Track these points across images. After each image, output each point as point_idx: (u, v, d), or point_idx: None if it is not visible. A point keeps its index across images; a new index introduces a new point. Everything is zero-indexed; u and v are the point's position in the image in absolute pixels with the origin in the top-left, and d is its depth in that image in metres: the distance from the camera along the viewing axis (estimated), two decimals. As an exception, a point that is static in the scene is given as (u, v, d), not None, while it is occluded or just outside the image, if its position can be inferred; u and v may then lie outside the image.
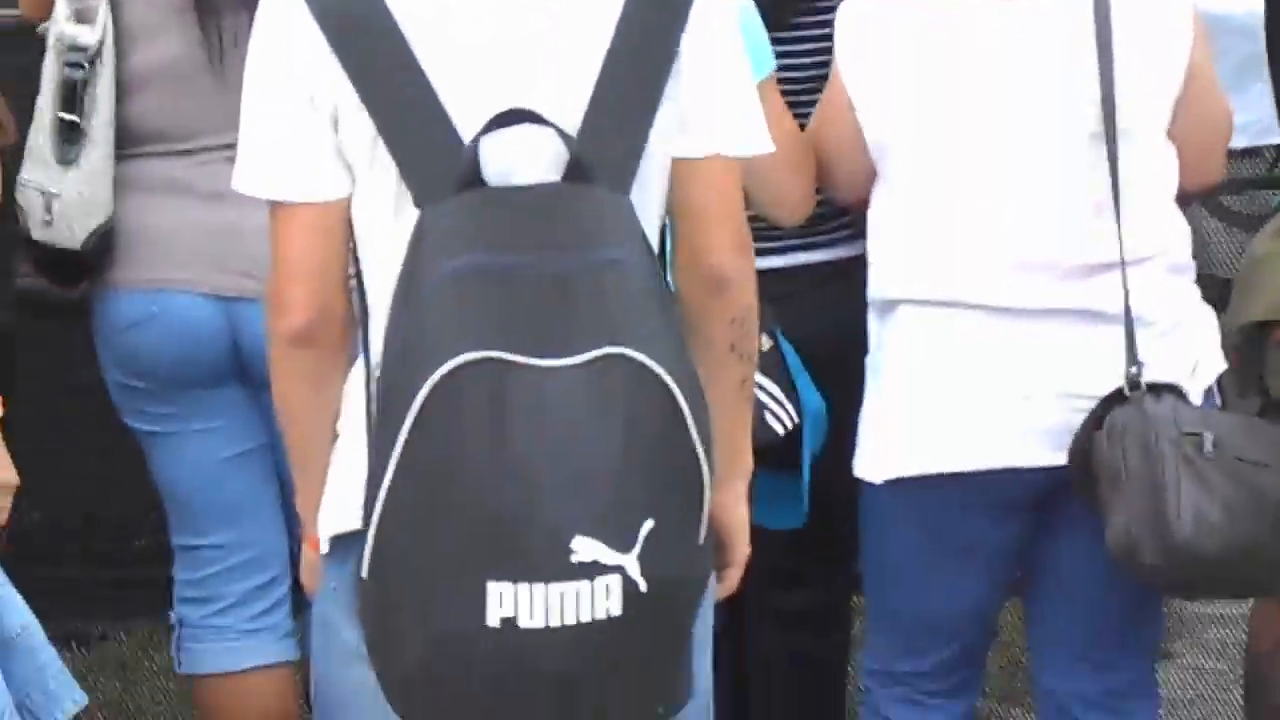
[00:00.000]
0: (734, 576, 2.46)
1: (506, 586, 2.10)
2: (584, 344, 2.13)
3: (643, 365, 2.13)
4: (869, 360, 3.08)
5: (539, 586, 2.10)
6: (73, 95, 3.21)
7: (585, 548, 2.11)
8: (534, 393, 2.11)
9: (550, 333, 2.13)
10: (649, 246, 2.24)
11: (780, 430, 3.11)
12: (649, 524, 2.13)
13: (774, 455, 3.04)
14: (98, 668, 4.14)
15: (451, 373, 2.11)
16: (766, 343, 3.09)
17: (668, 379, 2.14)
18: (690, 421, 2.15)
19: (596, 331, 2.13)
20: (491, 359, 2.11)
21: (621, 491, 2.12)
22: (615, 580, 2.12)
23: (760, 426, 3.00)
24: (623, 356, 2.13)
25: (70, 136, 3.22)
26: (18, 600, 2.41)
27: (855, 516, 3.12)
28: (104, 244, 3.24)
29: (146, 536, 4.00)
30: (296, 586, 2.88)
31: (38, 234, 3.24)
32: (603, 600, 2.11)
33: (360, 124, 2.25)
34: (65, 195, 3.21)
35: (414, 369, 2.12)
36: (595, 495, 2.11)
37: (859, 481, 3.08)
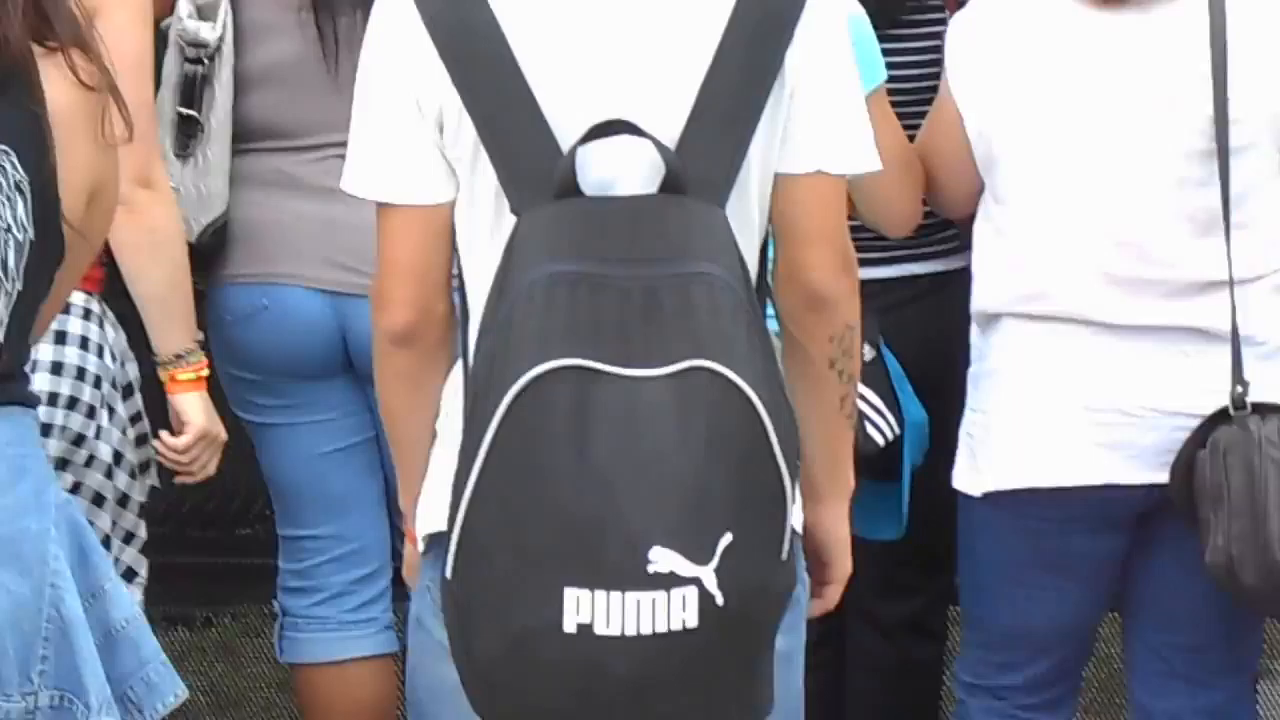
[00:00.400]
0: (834, 594, 2.46)
1: (584, 593, 2.12)
2: (670, 356, 2.14)
3: (727, 380, 2.14)
4: (970, 372, 3.09)
5: (615, 594, 2.12)
6: (192, 90, 3.26)
7: (662, 558, 2.12)
8: (618, 402, 2.13)
9: (637, 343, 2.14)
10: (742, 261, 2.25)
11: (881, 441, 3.13)
12: (727, 538, 2.14)
13: (874, 465, 3.06)
14: (200, 651, 4.21)
15: (537, 379, 2.13)
16: (869, 353, 3.10)
17: (751, 394, 2.15)
18: (773, 437, 2.16)
19: (683, 344, 2.14)
20: (577, 367, 2.14)
21: (701, 504, 2.13)
22: (692, 592, 2.13)
23: (861, 436, 3.02)
24: (708, 370, 2.14)
25: (189, 131, 3.27)
26: (125, 593, 2.46)
27: (953, 528, 3.12)
28: (219, 238, 3.29)
29: (254, 524, 4.06)
30: (398, 579, 2.92)
31: (155, 228, 3.29)
32: (679, 611, 2.12)
33: (463, 129, 2.27)
34: (183, 189, 3.26)
35: (501, 374, 2.15)
36: (674, 506, 2.13)
37: (957, 493, 3.08)
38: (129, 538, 3.10)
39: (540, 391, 2.13)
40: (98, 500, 3.04)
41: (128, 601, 2.45)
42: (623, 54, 2.26)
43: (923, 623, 3.45)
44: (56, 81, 2.32)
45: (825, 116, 2.32)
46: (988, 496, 3.04)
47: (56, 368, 2.97)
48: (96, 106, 2.35)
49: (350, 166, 2.34)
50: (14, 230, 2.30)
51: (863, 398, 3.08)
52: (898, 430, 3.14)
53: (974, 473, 3.06)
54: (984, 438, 3.05)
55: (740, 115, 2.26)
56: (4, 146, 2.29)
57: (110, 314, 3.07)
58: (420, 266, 2.31)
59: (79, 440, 2.99)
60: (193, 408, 3.12)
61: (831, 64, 2.33)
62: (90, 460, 3.01)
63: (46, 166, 2.31)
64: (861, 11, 3.06)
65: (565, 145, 2.23)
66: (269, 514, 3.50)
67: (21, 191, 2.30)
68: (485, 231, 2.29)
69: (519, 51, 2.25)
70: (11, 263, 2.31)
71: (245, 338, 3.32)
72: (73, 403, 2.98)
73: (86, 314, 3.02)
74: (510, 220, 2.24)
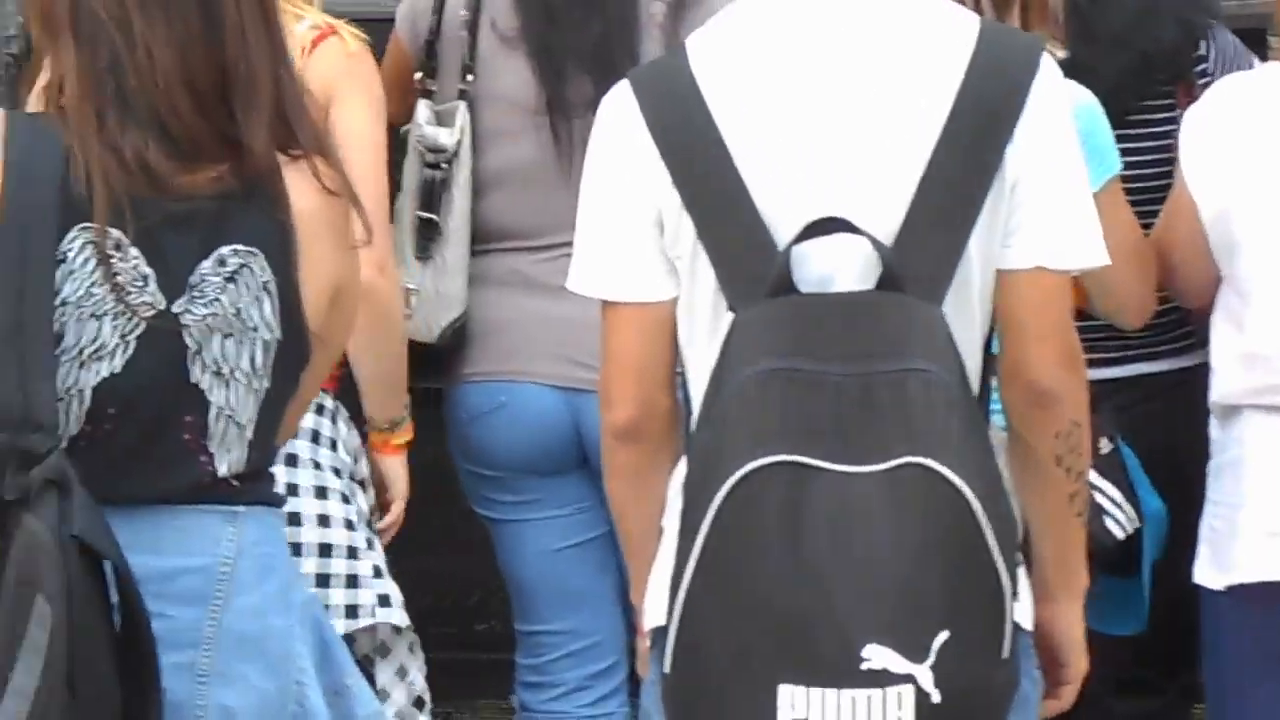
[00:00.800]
0: (1069, 694, 2.43)
1: (798, 690, 2.13)
2: (884, 452, 2.15)
3: (942, 476, 2.14)
4: (1210, 465, 3.05)
5: (830, 691, 2.12)
6: (431, 194, 3.34)
7: (877, 655, 2.12)
8: (832, 498, 2.14)
9: (851, 439, 2.15)
10: (959, 357, 2.25)
11: (1119, 534, 3.10)
12: (943, 635, 2.14)
13: (1112, 559, 3.03)
14: (441, 746, 4.24)
15: (750, 475, 2.15)
16: (1106, 446, 3.07)
17: (967, 490, 2.15)
18: (989, 534, 2.15)
19: (897, 440, 2.15)
20: (791, 462, 2.15)
21: (915, 601, 2.13)
22: (908, 690, 2.12)
23: (1100, 529, 2.99)
24: (922, 466, 2.15)
25: (428, 234, 3.35)
26: (366, 690, 2.51)
27: (1193, 624, 3.07)
28: (458, 339, 3.36)
29: (491, 619, 4.10)
30: (635, 674, 2.93)
31: (398, 328, 3.36)
32: (894, 709, 2.12)
33: (683, 228, 2.31)
34: (424, 290, 3.33)
35: (716, 469, 2.17)
36: (888, 603, 2.13)
37: (1199, 588, 3.03)
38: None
39: (754, 487, 2.15)
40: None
41: (369, 698, 2.50)
42: (839, 151, 2.28)
43: (1164, 723, 3.39)
44: (300, 188, 2.39)
45: (1047, 211, 2.31)
46: (1231, 590, 2.99)
47: (291, 459, 3.05)
48: (338, 211, 2.41)
49: (576, 265, 2.39)
50: (261, 330, 2.37)
51: (1101, 490, 3.05)
52: (1137, 523, 3.11)
53: (1216, 566, 3.01)
54: (1226, 530, 3.01)
55: (959, 212, 2.26)
56: (253, 249, 2.36)
57: (344, 411, 3.15)
58: (643, 363, 2.35)
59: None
60: (397, 472, 3.20)
61: (1054, 158, 2.31)
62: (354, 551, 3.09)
63: (292, 269, 2.38)
64: (1094, 101, 3.04)
65: (782, 243, 2.25)
66: (507, 609, 3.54)
67: (269, 292, 2.37)
68: (705, 328, 2.31)
69: (735, 151, 2.28)
70: (259, 361, 2.38)
71: (483, 435, 3.37)
72: (321, 492, 3.05)
73: (319, 409, 3.10)
74: (729, 317, 2.27)
